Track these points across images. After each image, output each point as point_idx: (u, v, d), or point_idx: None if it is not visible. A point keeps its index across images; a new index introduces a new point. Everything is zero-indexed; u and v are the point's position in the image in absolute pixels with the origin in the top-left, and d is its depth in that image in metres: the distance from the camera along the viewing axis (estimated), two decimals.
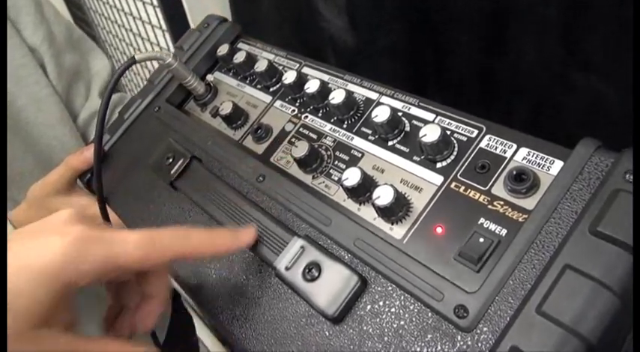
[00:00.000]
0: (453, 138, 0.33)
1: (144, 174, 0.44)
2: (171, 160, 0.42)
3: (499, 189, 0.30)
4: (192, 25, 0.98)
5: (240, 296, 0.33)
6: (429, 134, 0.31)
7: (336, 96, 0.37)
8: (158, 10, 1.06)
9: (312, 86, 0.39)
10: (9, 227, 0.50)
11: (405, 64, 0.42)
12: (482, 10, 0.51)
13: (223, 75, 0.49)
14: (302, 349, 0.28)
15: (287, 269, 0.31)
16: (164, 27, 1.10)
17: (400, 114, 0.36)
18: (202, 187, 0.39)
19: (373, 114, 0.34)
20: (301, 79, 0.41)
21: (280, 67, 0.45)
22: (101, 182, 0.44)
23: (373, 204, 0.31)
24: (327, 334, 0.28)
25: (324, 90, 0.39)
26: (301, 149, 0.36)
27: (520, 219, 0.28)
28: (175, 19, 1.04)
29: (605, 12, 0.43)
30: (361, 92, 0.39)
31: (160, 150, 0.43)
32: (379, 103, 0.37)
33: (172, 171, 0.41)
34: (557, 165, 0.29)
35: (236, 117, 0.43)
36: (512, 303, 0.25)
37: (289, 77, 0.41)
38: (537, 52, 0.50)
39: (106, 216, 0.44)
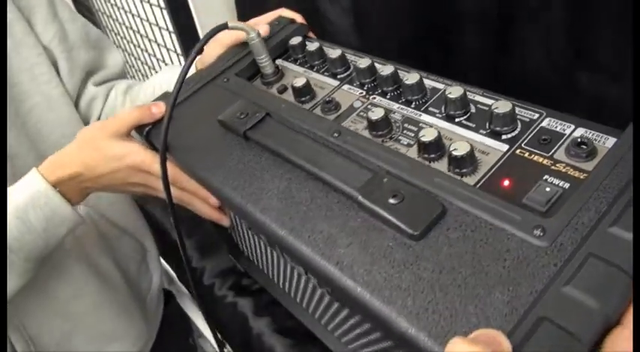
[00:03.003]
0: (517, 118, 0.38)
1: (211, 128, 0.47)
2: (243, 116, 0.45)
3: (561, 154, 0.34)
4: (199, 27, 1.03)
5: (325, 229, 0.34)
6: (501, 107, 0.37)
7: (410, 78, 0.42)
8: (165, 12, 1.11)
9: (385, 70, 0.44)
10: (38, 177, 0.50)
11: (412, 66, 0.46)
12: (489, 12, 0.53)
13: (290, 63, 0.54)
14: (388, 264, 0.30)
15: (371, 197, 0.33)
16: (171, 29, 1.14)
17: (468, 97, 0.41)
18: (276, 137, 0.42)
19: (447, 91, 0.40)
20: (373, 66, 0.46)
21: (349, 58, 0.51)
22: (167, 134, 0.46)
23: (449, 155, 0.35)
24: (411, 251, 0.31)
25: (396, 75, 0.45)
26: (377, 113, 0.40)
27: (581, 177, 0.32)
28: (182, 22, 1.08)
29: (610, 13, 0.46)
30: (428, 83, 0.45)
31: (232, 109, 0.47)
32: (448, 86, 0.43)
33: (246, 124, 0.44)
34: (611, 140, 0.34)
35: (306, 91, 0.47)
36: (581, 230, 0.28)
37: (363, 63, 0.46)
38: (543, 53, 0.52)
39: (164, 167, 0.46)
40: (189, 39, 1.09)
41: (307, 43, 0.53)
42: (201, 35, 1.07)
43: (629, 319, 0.24)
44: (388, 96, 0.45)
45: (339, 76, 0.49)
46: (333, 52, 0.49)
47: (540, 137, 0.36)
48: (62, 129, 0.64)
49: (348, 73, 0.49)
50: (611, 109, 0.50)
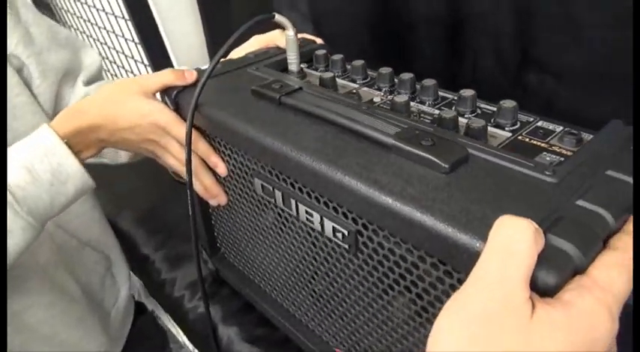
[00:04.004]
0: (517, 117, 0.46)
1: (243, 97, 0.51)
2: (277, 87, 0.50)
3: (555, 141, 0.42)
4: (165, 36, 1.09)
5: (360, 162, 0.38)
6: (507, 103, 0.45)
7: (427, 82, 0.50)
8: (129, 23, 1.15)
9: (405, 76, 0.52)
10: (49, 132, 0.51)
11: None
12: (440, 18, 0.57)
13: (313, 70, 0.61)
14: (422, 192, 0.35)
15: (404, 141, 0.38)
16: (136, 40, 1.19)
17: None
18: (310, 102, 0.47)
19: (461, 91, 0.47)
20: (392, 73, 0.54)
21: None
22: (201, 92, 0.50)
23: (467, 127, 0.42)
24: (442, 179, 0.35)
25: (414, 80, 0.52)
26: (401, 98, 0.47)
27: (570, 154, 0.40)
28: (148, 32, 1.13)
29: (554, 16, 0.49)
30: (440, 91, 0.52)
31: (266, 82, 0.52)
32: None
33: (281, 92, 0.49)
34: (593, 135, 0.42)
35: (331, 84, 0.54)
36: (583, 173, 0.35)
37: (384, 70, 0.54)
38: (494, 56, 0.56)
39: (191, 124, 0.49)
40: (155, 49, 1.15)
41: (330, 55, 0.61)
42: (168, 45, 1.13)
43: (617, 243, 0.29)
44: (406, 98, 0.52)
45: (358, 82, 0.57)
46: (356, 62, 0.57)
47: (537, 131, 0.44)
48: None
49: (367, 80, 0.57)
50: (560, 107, 0.54)
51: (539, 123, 0.45)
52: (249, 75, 0.57)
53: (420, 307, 0.38)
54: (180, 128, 0.53)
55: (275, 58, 0.61)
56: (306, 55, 0.62)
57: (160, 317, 0.92)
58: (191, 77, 0.55)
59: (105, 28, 1.35)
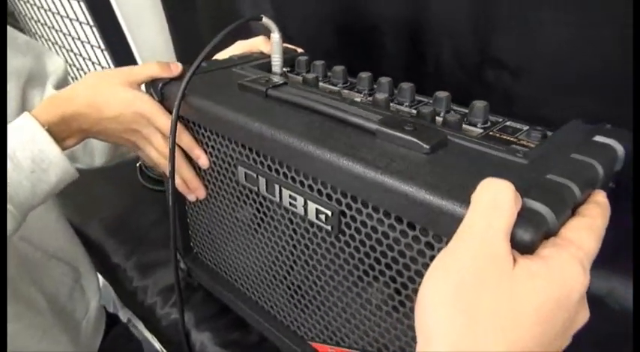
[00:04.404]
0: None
1: (230, 91, 0.53)
2: (264, 81, 0.52)
3: (522, 137, 0.45)
4: (132, 41, 1.10)
5: (347, 142, 0.40)
6: (479, 103, 0.48)
7: (405, 86, 0.53)
8: (95, 29, 1.16)
9: (384, 79, 0.55)
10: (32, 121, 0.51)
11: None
12: (402, 18, 0.59)
13: (295, 75, 0.64)
14: (405, 167, 0.37)
15: (387, 125, 0.41)
16: (102, 46, 1.19)
17: None
18: (296, 95, 0.49)
19: (437, 93, 0.51)
20: (372, 77, 0.57)
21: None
22: (189, 83, 0.51)
23: (444, 120, 0.45)
24: (423, 158, 0.38)
25: (392, 83, 0.55)
26: (382, 95, 0.50)
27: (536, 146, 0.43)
28: (113, 38, 1.14)
29: (507, 14, 0.51)
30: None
31: (252, 78, 0.54)
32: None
33: (267, 85, 0.51)
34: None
35: (314, 83, 0.56)
36: (550, 156, 0.38)
37: (365, 74, 0.57)
38: (454, 54, 0.57)
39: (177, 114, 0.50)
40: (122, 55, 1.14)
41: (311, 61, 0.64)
42: (135, 51, 1.14)
43: (584, 211, 0.33)
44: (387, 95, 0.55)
45: (339, 85, 0.59)
46: (337, 67, 0.60)
47: (506, 128, 0.47)
48: None
49: (347, 84, 0.60)
50: (517, 103, 0.57)
51: (508, 123, 0.49)
52: (234, 73, 0.59)
53: (400, 283, 0.40)
54: (164, 119, 0.54)
55: (258, 61, 0.63)
56: (288, 61, 0.65)
57: (136, 327, 0.89)
58: (176, 70, 0.56)
59: (70, 35, 1.34)
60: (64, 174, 0.52)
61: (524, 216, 0.29)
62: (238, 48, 0.68)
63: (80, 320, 0.78)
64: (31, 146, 0.49)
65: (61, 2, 1.22)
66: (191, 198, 0.60)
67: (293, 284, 0.53)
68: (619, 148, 0.40)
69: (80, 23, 1.21)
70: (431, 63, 0.62)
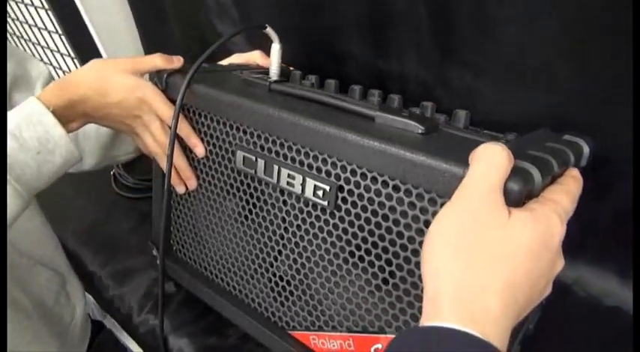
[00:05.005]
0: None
1: (234, 84, 0.56)
2: (267, 77, 0.56)
3: (480, 137, 0.50)
4: (104, 53, 1.10)
5: (351, 123, 0.44)
6: (461, 112, 0.54)
7: (393, 96, 0.59)
8: (64, 38, 1.16)
9: (374, 91, 0.61)
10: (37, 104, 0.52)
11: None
12: (364, 18, 0.59)
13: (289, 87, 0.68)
14: (404, 150, 0.41)
15: (386, 112, 0.45)
16: (72, 54, 1.19)
17: None
18: (299, 89, 0.53)
19: (422, 103, 0.56)
20: (365, 90, 0.62)
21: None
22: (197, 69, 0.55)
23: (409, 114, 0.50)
24: (419, 138, 0.42)
25: (381, 95, 0.61)
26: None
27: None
28: (85, 48, 1.13)
29: (467, 12, 0.51)
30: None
31: (257, 73, 0.58)
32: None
33: (273, 79, 0.55)
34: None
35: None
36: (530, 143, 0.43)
37: (356, 87, 0.62)
38: (416, 53, 0.58)
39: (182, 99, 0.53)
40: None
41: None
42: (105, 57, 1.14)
43: (561, 181, 0.38)
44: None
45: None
46: (329, 80, 0.65)
47: (484, 133, 0.53)
48: None
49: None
50: (479, 103, 0.59)
51: (485, 131, 0.54)
52: (235, 75, 0.63)
53: (392, 253, 0.42)
54: (165, 107, 0.56)
55: (257, 70, 0.68)
56: (284, 75, 0.70)
57: (119, 334, 0.86)
58: (179, 62, 0.59)
59: (39, 44, 1.34)
60: (69, 155, 0.53)
61: (516, 173, 0.34)
62: (236, 59, 0.72)
63: (67, 326, 0.77)
64: (38, 127, 0.50)
65: (29, 12, 1.22)
66: (181, 190, 0.61)
67: (278, 271, 0.54)
68: (585, 146, 0.46)
69: (49, 32, 1.21)
70: (394, 61, 0.64)
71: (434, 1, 0.54)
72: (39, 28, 1.25)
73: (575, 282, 0.61)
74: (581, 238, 0.59)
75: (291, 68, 0.75)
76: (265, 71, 0.66)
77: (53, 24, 1.15)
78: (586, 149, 0.46)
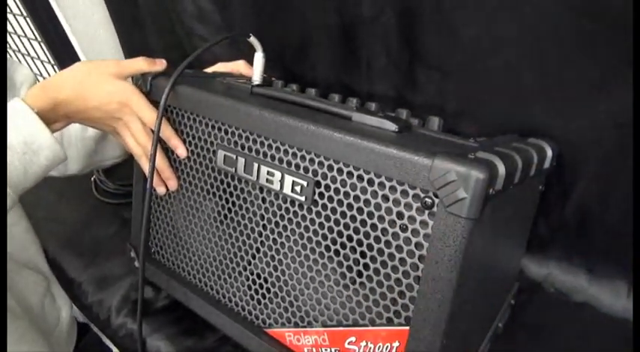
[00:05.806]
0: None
1: (215, 88, 0.58)
2: (248, 81, 0.58)
3: (450, 137, 0.52)
4: (83, 58, 1.11)
5: (330, 123, 0.46)
6: (434, 118, 0.56)
7: (369, 104, 0.61)
8: (43, 45, 1.16)
9: (353, 99, 0.63)
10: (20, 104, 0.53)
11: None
12: (333, 23, 0.60)
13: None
14: (378, 144, 0.43)
15: (365, 112, 0.48)
16: (52, 61, 1.20)
17: None
18: (280, 92, 0.55)
19: (397, 110, 0.59)
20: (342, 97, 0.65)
21: None
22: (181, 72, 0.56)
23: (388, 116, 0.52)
24: (394, 136, 0.44)
25: (359, 102, 0.63)
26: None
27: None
28: (64, 55, 1.14)
29: (431, 15, 0.53)
30: None
31: (236, 78, 0.59)
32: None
33: (254, 83, 0.57)
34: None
35: None
36: (498, 144, 0.45)
37: (336, 96, 0.65)
38: (385, 55, 0.59)
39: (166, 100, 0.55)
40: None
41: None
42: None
43: None
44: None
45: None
46: (310, 89, 0.67)
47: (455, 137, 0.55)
48: None
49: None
50: (447, 103, 0.60)
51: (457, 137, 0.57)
52: (218, 81, 0.65)
53: (367, 245, 0.43)
54: (148, 110, 0.57)
55: (240, 78, 0.70)
56: (268, 79, 0.72)
57: (104, 337, 0.85)
58: (162, 65, 0.61)
59: (19, 51, 1.34)
60: (55, 156, 0.54)
61: (482, 163, 0.36)
62: (220, 68, 0.74)
63: (53, 329, 0.76)
64: (23, 129, 0.51)
65: (7, 19, 1.21)
66: (161, 190, 0.62)
67: (255, 269, 0.55)
68: (548, 149, 0.49)
69: (29, 39, 1.22)
70: (363, 64, 0.65)
71: (399, 5, 0.56)
72: (18, 36, 1.25)
73: (545, 279, 0.63)
74: (549, 236, 0.62)
75: (273, 78, 0.77)
76: (248, 79, 0.69)
77: (32, 31, 1.16)
78: (549, 150, 0.49)
